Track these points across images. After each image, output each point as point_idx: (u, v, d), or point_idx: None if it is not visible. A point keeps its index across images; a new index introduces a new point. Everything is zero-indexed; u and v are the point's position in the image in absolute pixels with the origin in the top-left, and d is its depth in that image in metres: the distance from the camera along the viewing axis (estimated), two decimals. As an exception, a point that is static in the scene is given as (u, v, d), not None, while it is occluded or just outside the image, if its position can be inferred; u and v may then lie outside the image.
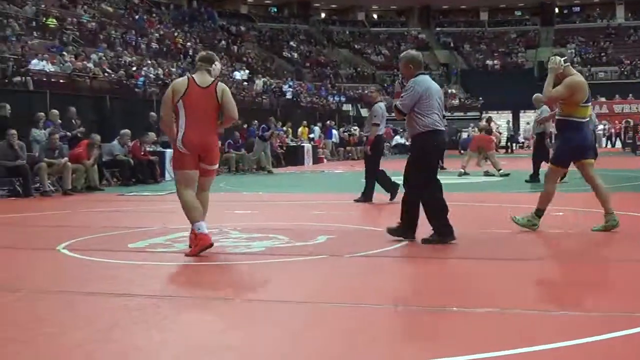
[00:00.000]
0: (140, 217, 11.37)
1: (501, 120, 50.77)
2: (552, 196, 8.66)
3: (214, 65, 7.59)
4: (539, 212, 8.60)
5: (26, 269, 6.87)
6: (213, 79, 7.49)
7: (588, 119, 8.65)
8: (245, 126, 27.44)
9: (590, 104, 8.64)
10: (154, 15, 49.21)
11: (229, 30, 58.97)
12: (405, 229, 7.88)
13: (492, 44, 68.89)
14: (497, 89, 57.35)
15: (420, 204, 7.84)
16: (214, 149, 7.57)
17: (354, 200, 12.80)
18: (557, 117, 8.74)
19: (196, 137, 7.32)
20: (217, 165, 7.75)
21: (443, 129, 8.03)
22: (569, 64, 8.56)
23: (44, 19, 32.93)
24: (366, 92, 13.15)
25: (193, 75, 7.52)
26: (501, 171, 19.70)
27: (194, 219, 7.20)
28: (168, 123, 7.49)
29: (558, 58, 8.50)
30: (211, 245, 7.12)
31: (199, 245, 7.09)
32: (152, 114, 24.18)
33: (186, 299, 5.36)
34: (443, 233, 7.67)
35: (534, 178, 16.38)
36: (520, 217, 8.63)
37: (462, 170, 20.02)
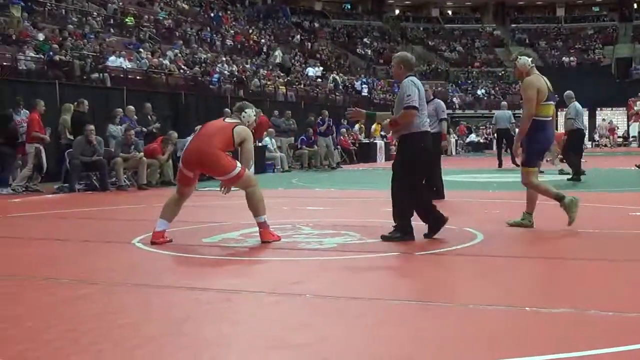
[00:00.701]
0: (213, 212, 11.48)
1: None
2: (541, 194, 8.84)
3: (243, 113, 8.13)
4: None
5: (102, 261, 7.00)
6: (239, 122, 8.02)
7: (551, 118, 8.67)
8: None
9: (552, 102, 8.60)
10: (229, 12, 49.64)
11: (302, 27, 59.19)
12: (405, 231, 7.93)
13: (569, 41, 67.76)
14: (573, 86, 56.19)
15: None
16: (213, 160, 7.79)
17: None
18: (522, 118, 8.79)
19: (191, 149, 7.94)
20: (229, 175, 7.81)
21: (430, 130, 8.25)
22: (533, 65, 8.67)
23: (122, 17, 33.48)
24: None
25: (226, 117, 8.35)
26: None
27: (160, 214, 7.97)
28: None
29: (526, 58, 8.51)
30: (153, 243, 7.75)
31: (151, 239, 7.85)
32: (227, 110, 24.45)
33: (257, 294, 5.40)
34: (406, 232, 7.82)
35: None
36: (514, 220, 8.88)
37: (561, 169, 20.00)
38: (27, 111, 16.24)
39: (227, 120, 8.13)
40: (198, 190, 15.61)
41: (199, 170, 8.00)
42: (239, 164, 7.81)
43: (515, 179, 18.83)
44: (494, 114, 28.78)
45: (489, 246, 7.56)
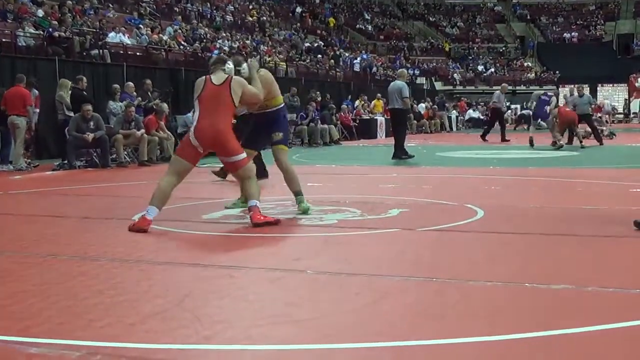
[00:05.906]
0: (214, 188, 11.48)
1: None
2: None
3: (227, 65, 7.92)
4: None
5: (104, 238, 7.00)
6: (227, 76, 7.77)
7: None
8: (319, 99, 27.63)
9: None
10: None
11: (302, 3, 58.93)
12: None
13: (570, 17, 67.47)
14: (574, 62, 56.24)
15: None
16: (224, 141, 7.63)
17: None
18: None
19: (206, 127, 7.58)
20: (237, 158, 7.69)
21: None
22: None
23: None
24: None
25: (210, 75, 7.84)
26: (582, 144, 21.18)
27: (150, 201, 7.55)
28: None
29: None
30: (145, 230, 7.23)
31: (136, 225, 7.35)
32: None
33: (259, 270, 5.41)
34: None
35: None
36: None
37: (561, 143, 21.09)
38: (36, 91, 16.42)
39: (217, 78, 7.76)
40: (198, 167, 15.61)
41: (212, 146, 7.76)
42: (245, 152, 7.78)
43: (516, 156, 18.97)
44: (494, 90, 30.21)
45: (489, 222, 7.57)
